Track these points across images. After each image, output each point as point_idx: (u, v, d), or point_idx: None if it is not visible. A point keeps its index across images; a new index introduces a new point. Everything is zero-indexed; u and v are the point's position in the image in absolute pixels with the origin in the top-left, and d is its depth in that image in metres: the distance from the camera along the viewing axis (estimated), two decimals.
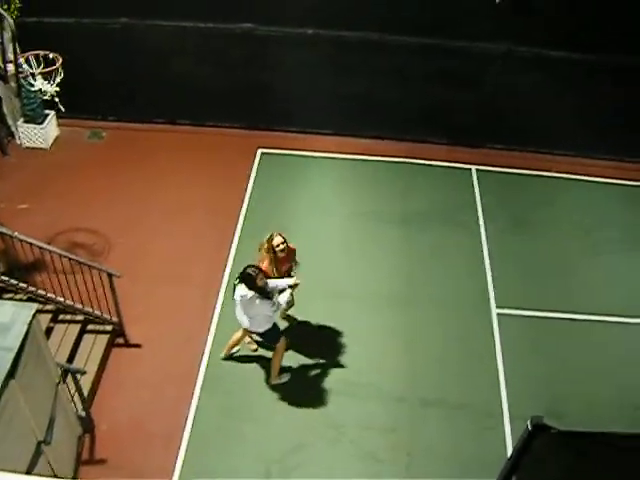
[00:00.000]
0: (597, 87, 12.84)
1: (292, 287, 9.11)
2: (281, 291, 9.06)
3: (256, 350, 10.11)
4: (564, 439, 4.36)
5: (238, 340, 9.81)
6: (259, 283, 8.58)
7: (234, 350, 9.99)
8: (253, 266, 8.71)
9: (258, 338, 9.71)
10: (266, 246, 9.08)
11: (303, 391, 9.58)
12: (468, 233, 12.07)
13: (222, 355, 9.98)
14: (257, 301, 8.66)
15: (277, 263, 9.15)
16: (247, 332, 9.47)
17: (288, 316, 10.44)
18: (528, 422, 4.30)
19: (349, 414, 9.33)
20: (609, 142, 13.57)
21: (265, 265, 9.00)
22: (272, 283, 8.85)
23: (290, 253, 9.35)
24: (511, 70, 12.83)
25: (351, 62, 13.07)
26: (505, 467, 4.68)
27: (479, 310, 10.81)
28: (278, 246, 9.01)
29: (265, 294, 8.68)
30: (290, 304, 9.81)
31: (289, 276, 9.37)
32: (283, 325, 10.10)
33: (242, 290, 8.67)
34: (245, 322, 9.06)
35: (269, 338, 9.36)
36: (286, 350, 9.60)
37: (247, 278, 8.59)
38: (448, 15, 12.24)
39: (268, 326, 9.06)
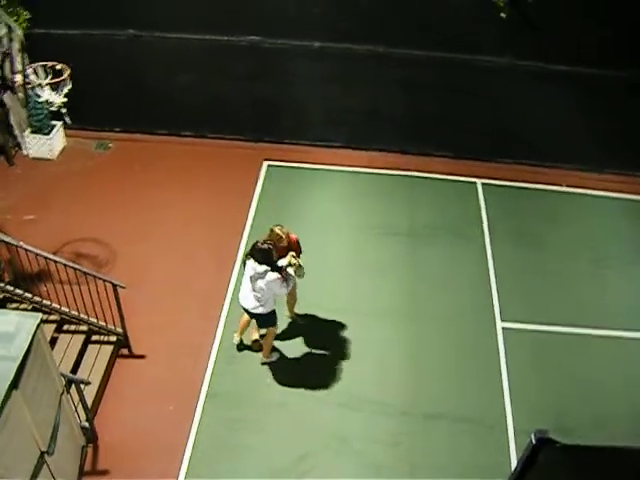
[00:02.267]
0: (604, 101, 12.79)
1: (292, 265, 9.17)
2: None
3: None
4: (568, 453, 4.33)
5: (248, 323, 9.91)
6: (272, 257, 8.77)
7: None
8: (265, 241, 8.88)
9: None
10: (267, 238, 9.19)
11: (307, 403, 9.55)
12: (473, 247, 12.04)
13: (235, 340, 10.16)
14: (268, 275, 8.74)
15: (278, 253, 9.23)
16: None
17: (297, 315, 10.59)
18: (532, 436, 4.27)
19: (353, 426, 9.30)
20: (616, 156, 13.50)
21: None
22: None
23: (291, 244, 9.43)
24: (517, 83, 12.82)
25: (357, 75, 13.09)
26: None
27: (484, 324, 10.77)
28: (282, 242, 9.19)
29: (278, 268, 8.82)
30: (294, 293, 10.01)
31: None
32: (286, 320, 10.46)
33: (256, 265, 8.79)
34: (250, 302, 9.15)
35: (268, 321, 9.49)
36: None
37: (263, 252, 8.74)
38: (454, 28, 12.25)
39: (271, 308, 9.21)
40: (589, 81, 12.56)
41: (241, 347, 10.17)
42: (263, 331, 9.88)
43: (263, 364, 9.96)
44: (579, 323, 10.85)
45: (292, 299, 10.30)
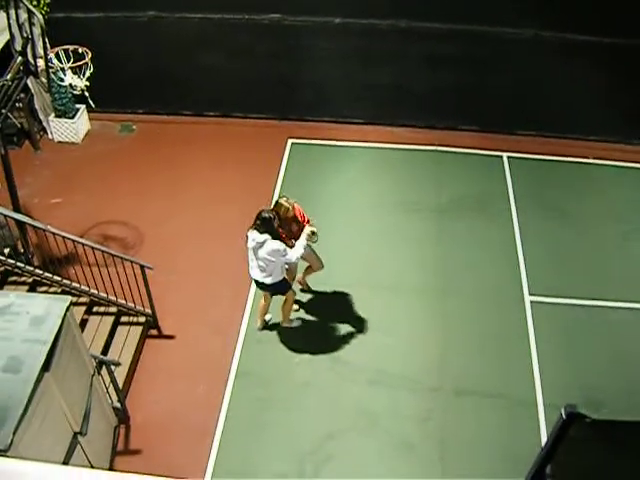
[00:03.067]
0: (630, 71, 12.61)
1: (309, 237, 9.15)
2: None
3: (297, 310, 10.37)
4: (599, 428, 4.30)
5: (266, 307, 9.99)
6: (274, 226, 8.78)
7: (267, 318, 10.19)
8: (268, 210, 8.91)
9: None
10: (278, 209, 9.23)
11: (335, 381, 9.58)
12: (500, 221, 11.96)
13: (258, 326, 10.19)
14: (268, 244, 8.76)
15: (286, 225, 9.29)
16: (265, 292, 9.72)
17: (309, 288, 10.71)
18: (562, 411, 4.24)
19: (382, 403, 9.32)
20: None
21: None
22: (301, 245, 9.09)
23: (296, 213, 9.40)
24: (541, 55, 12.66)
25: (380, 50, 13.00)
26: (539, 456, 4.63)
27: (512, 298, 10.72)
28: (290, 213, 9.19)
29: (277, 237, 8.85)
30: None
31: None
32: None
33: (256, 235, 8.80)
34: (257, 273, 9.19)
35: (280, 289, 9.54)
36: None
37: (264, 220, 8.74)
38: (475, 1, 12.12)
39: (279, 277, 9.24)
40: (614, 51, 12.36)
41: (268, 327, 10.23)
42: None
43: (284, 327, 10.13)
44: (607, 296, 10.76)
45: (316, 265, 10.17)
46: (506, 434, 8.99)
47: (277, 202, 9.28)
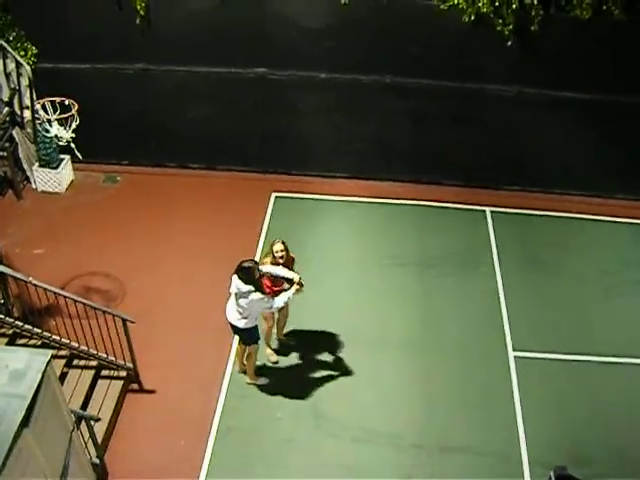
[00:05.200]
0: (609, 126, 12.83)
1: (295, 288, 9.12)
2: (278, 293, 9.19)
3: (276, 362, 10.36)
4: None
5: (244, 350, 9.95)
6: (255, 276, 8.76)
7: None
8: (250, 260, 8.98)
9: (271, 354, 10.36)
10: (267, 251, 9.37)
11: (317, 437, 9.47)
12: (483, 275, 11.99)
13: (237, 369, 10.21)
14: (251, 296, 8.76)
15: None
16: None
17: (285, 336, 10.74)
18: (551, 473, 4.20)
19: (366, 460, 9.20)
20: (624, 181, 13.52)
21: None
22: (272, 270, 9.15)
23: (288, 262, 9.47)
24: (524, 111, 12.85)
25: (364, 105, 13.13)
26: None
27: (496, 354, 10.69)
28: (277, 252, 9.25)
29: (260, 289, 8.83)
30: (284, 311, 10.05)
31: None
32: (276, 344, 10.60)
33: (241, 285, 8.80)
34: (233, 316, 9.22)
35: (249, 337, 9.51)
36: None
37: (244, 271, 8.76)
38: (459, 58, 12.33)
39: (252, 324, 9.24)
40: (597, 107, 12.59)
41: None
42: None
43: (249, 384, 10.06)
44: (592, 351, 10.77)
45: (283, 319, 10.36)
46: None
47: (273, 241, 9.41)
